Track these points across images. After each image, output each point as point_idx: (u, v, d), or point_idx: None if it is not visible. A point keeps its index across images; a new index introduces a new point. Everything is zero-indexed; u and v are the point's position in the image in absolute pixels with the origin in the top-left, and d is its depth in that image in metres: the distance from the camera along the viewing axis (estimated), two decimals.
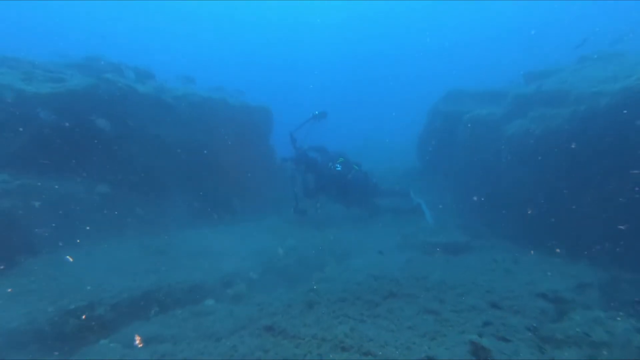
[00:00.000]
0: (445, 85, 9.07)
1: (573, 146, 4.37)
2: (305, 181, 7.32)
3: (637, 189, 4.11)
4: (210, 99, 7.55)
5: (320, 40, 40.83)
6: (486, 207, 6.27)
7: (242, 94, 9.17)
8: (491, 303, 3.30)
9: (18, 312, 3.22)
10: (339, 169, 7.24)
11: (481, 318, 3.05)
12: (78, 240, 4.91)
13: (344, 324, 2.94)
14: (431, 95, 9.62)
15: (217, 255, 5.05)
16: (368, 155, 10.97)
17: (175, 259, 4.80)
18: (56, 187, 5.06)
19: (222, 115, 7.65)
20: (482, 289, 3.63)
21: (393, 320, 3.07)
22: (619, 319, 2.90)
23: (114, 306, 3.47)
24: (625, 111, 4.21)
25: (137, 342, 3.05)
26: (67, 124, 5.37)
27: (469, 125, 6.95)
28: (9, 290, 3.59)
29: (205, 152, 7.19)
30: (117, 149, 5.92)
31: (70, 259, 4.33)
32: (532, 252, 4.84)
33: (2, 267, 4.03)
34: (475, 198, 5.83)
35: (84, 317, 3.20)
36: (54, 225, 4.77)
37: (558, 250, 4.60)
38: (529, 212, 4.79)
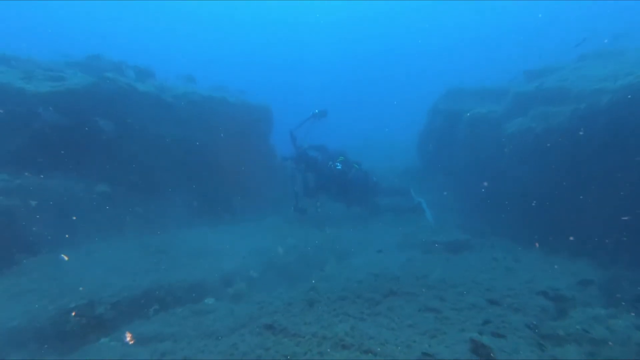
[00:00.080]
0: (446, 84, 9.06)
1: (581, 133, 4.31)
2: (306, 180, 7.31)
3: (638, 186, 4.11)
4: (211, 97, 7.54)
5: (321, 39, 40.82)
6: (486, 205, 6.27)
7: (244, 94, 9.15)
8: (491, 301, 3.30)
9: (18, 311, 3.22)
10: (339, 167, 7.24)
11: (481, 316, 3.05)
12: (78, 240, 4.91)
13: (344, 322, 2.94)
14: (431, 95, 9.61)
15: (217, 254, 5.05)
16: (368, 154, 10.95)
17: (175, 258, 4.80)
18: (56, 186, 5.06)
19: (222, 113, 7.64)
20: (482, 287, 3.63)
21: (393, 318, 3.07)
22: (619, 316, 2.90)
23: (114, 305, 3.48)
24: (626, 109, 4.21)
25: (128, 339, 3.05)
26: (66, 123, 5.37)
27: (469, 123, 6.94)
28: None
29: (205, 150, 7.19)
30: (117, 148, 5.92)
31: (66, 258, 4.33)
32: (536, 244, 4.80)
33: (2, 266, 4.03)
34: (485, 183, 5.76)
35: (73, 313, 3.19)
36: (53, 224, 4.77)
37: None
38: (533, 204, 4.74)
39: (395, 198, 7.74)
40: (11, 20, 33.04)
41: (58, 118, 5.30)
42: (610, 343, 2.59)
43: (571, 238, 4.52)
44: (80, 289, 3.51)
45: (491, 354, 2.39)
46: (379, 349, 2.55)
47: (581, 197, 4.63)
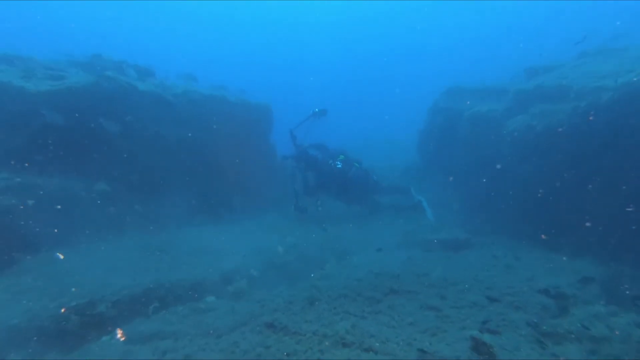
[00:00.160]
0: (446, 83, 9.05)
1: (591, 117, 4.28)
2: (306, 179, 7.32)
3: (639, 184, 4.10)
4: (211, 96, 7.53)
5: (321, 39, 40.82)
6: (487, 203, 6.26)
7: (244, 93, 9.16)
8: (492, 299, 3.30)
9: (19, 310, 3.22)
10: (340, 166, 7.24)
11: (482, 314, 3.05)
12: (78, 239, 4.91)
13: (345, 321, 2.94)
14: (431, 94, 9.60)
15: (217, 253, 5.05)
16: (368, 153, 10.95)
17: (175, 256, 4.80)
18: (56, 185, 5.06)
19: (223, 112, 7.64)
20: (483, 285, 3.63)
21: (394, 316, 3.07)
22: (620, 314, 2.90)
23: (115, 303, 3.48)
24: (627, 106, 4.20)
25: (119, 335, 3.06)
26: (67, 122, 5.37)
27: (470, 121, 6.94)
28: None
29: (205, 149, 7.19)
30: (117, 147, 5.92)
31: (61, 256, 4.32)
32: (543, 236, 4.77)
33: (2, 265, 4.03)
34: (484, 180, 5.76)
35: (62, 310, 3.19)
36: (53, 223, 4.77)
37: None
38: (539, 194, 4.70)
39: (396, 196, 7.74)
40: (11, 20, 33.07)
41: (58, 117, 5.30)
42: (610, 341, 2.58)
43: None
44: (73, 289, 3.48)
45: (492, 352, 2.38)
46: (379, 347, 2.55)
47: (582, 194, 4.63)
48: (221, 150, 7.36)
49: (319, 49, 40.53)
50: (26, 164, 5.02)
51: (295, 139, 7.43)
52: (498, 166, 5.76)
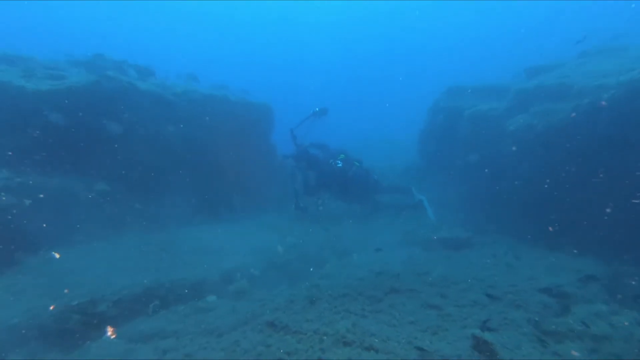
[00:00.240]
0: (446, 83, 9.05)
1: (604, 103, 4.25)
2: (306, 178, 7.32)
3: None
4: (211, 96, 7.54)
5: (321, 39, 40.83)
6: (488, 202, 6.26)
7: (246, 93, 9.16)
8: (493, 298, 3.30)
9: (20, 309, 3.23)
10: (340, 165, 7.24)
11: (483, 313, 3.05)
12: (79, 238, 4.92)
13: (346, 319, 2.94)
14: (431, 94, 9.59)
15: (218, 252, 5.05)
16: (368, 153, 10.95)
17: (176, 255, 4.80)
18: (56, 184, 5.06)
19: (223, 112, 7.64)
20: (484, 284, 3.63)
21: (395, 315, 3.07)
22: (621, 312, 2.89)
23: (116, 302, 3.48)
24: (628, 104, 4.20)
25: (110, 333, 3.06)
26: (67, 122, 5.37)
27: (471, 121, 6.93)
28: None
29: (205, 149, 7.19)
30: (117, 147, 5.91)
31: (57, 255, 4.32)
32: (550, 228, 4.73)
33: (3, 264, 4.03)
34: (487, 170, 5.75)
35: (51, 307, 3.19)
36: (54, 222, 4.77)
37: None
38: (541, 192, 4.66)
39: (396, 195, 7.74)
40: (12, 21, 33.08)
41: (58, 117, 5.30)
42: (612, 339, 2.58)
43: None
44: (65, 291, 3.45)
45: (493, 351, 2.38)
46: (380, 346, 2.54)
47: (583, 193, 4.63)
48: (221, 150, 7.36)
49: (319, 49, 40.56)
50: (26, 164, 5.02)
51: (296, 138, 7.43)
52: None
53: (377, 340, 2.61)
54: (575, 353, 2.44)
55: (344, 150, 7.69)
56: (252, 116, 8.44)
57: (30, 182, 4.81)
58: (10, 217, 4.42)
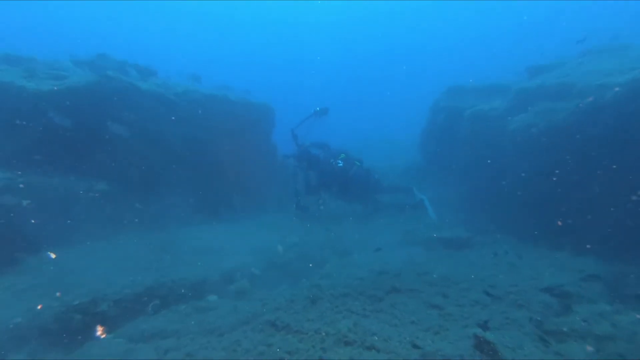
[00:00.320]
0: (446, 83, 9.05)
1: (617, 89, 4.21)
2: (307, 178, 7.32)
3: None
4: (212, 95, 7.54)
5: (321, 39, 40.85)
6: (489, 202, 6.25)
7: (248, 94, 9.15)
8: (495, 297, 3.29)
9: (21, 309, 3.22)
10: (341, 165, 7.24)
11: (485, 312, 3.04)
12: (79, 238, 4.91)
13: (347, 319, 2.93)
14: (432, 94, 9.60)
15: (218, 252, 5.05)
16: (368, 153, 10.96)
17: (176, 255, 4.80)
18: (57, 184, 5.07)
19: (224, 112, 7.64)
20: (485, 284, 3.62)
21: (396, 315, 3.06)
22: (624, 312, 2.88)
23: (117, 302, 3.48)
24: (630, 103, 4.18)
25: (100, 332, 3.06)
26: (68, 122, 5.37)
27: (471, 120, 6.92)
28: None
29: (206, 149, 7.18)
30: (117, 146, 5.91)
31: (53, 256, 4.32)
32: (559, 222, 4.67)
33: (4, 264, 4.03)
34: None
35: (39, 307, 3.19)
36: (55, 222, 4.77)
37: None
38: (547, 184, 4.61)
39: (397, 195, 7.74)
40: (13, 21, 33.12)
41: (59, 117, 5.30)
42: (615, 339, 2.57)
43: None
44: (57, 294, 3.42)
45: (495, 350, 2.37)
46: (381, 345, 2.54)
47: (585, 192, 4.61)
48: (222, 150, 7.36)
49: (319, 49, 40.59)
50: (27, 164, 5.01)
51: (297, 138, 7.43)
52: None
53: (378, 340, 2.60)
54: (589, 348, 2.43)
55: (345, 150, 7.69)
56: (253, 116, 8.44)
57: (32, 182, 4.81)
58: (11, 217, 4.42)
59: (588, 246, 4.21)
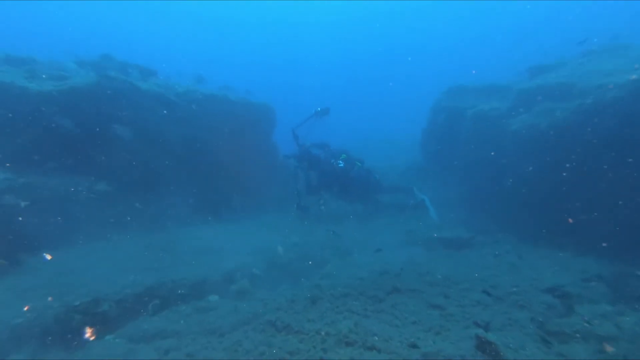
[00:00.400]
0: (447, 83, 9.04)
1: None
2: (308, 178, 7.31)
3: None
4: (213, 96, 7.53)
5: (321, 39, 40.87)
6: (491, 202, 6.24)
7: (250, 94, 9.15)
8: (496, 298, 3.28)
9: (23, 308, 3.21)
10: (342, 165, 7.23)
11: (487, 313, 3.03)
12: (80, 238, 4.91)
13: (348, 319, 2.92)
14: (432, 94, 9.59)
15: (218, 252, 5.04)
16: (368, 153, 10.94)
17: (177, 255, 4.79)
18: (58, 185, 5.06)
19: (225, 112, 7.63)
20: (487, 284, 3.61)
21: (397, 315, 3.05)
22: (626, 313, 2.87)
23: (119, 302, 3.47)
24: (632, 103, 4.18)
25: (88, 334, 3.05)
26: (69, 122, 5.36)
27: (473, 120, 6.91)
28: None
29: (206, 149, 7.18)
30: (118, 146, 5.91)
31: (49, 257, 4.31)
32: (570, 220, 4.63)
33: (5, 263, 4.03)
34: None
35: (26, 308, 3.18)
36: (55, 222, 4.76)
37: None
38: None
39: (398, 195, 7.73)
40: (14, 21, 33.15)
41: (60, 117, 5.29)
42: (617, 340, 2.56)
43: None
44: (49, 299, 3.37)
45: (497, 351, 2.37)
46: (382, 346, 2.53)
47: (587, 193, 4.60)
48: (222, 150, 7.35)
49: (319, 49, 40.60)
50: (28, 164, 5.01)
51: (298, 138, 7.42)
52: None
53: (379, 340, 2.59)
54: (610, 348, 2.42)
55: (346, 150, 7.68)
56: (253, 116, 8.43)
57: (33, 182, 4.81)
58: (12, 217, 4.41)
59: (604, 244, 4.16)
